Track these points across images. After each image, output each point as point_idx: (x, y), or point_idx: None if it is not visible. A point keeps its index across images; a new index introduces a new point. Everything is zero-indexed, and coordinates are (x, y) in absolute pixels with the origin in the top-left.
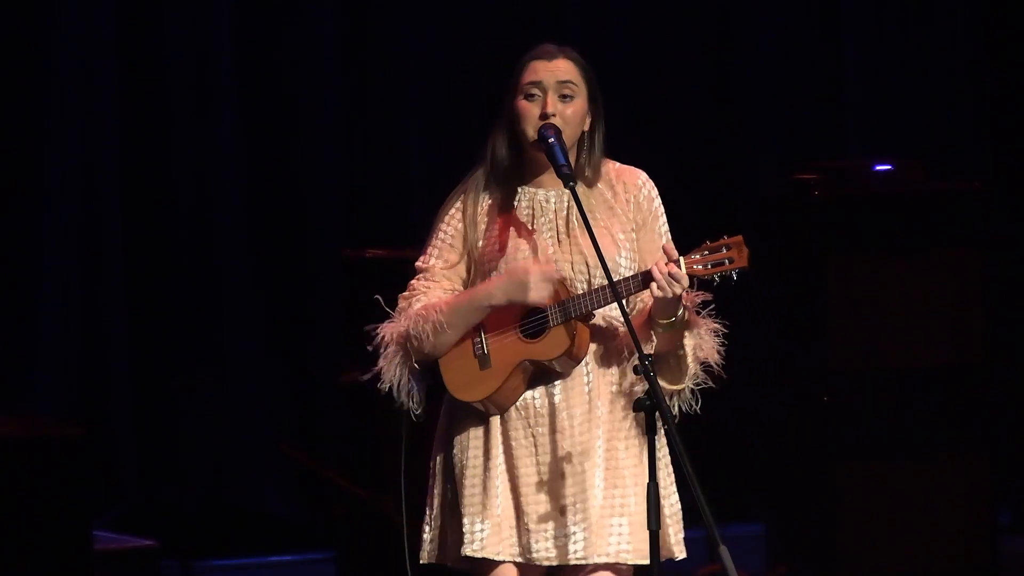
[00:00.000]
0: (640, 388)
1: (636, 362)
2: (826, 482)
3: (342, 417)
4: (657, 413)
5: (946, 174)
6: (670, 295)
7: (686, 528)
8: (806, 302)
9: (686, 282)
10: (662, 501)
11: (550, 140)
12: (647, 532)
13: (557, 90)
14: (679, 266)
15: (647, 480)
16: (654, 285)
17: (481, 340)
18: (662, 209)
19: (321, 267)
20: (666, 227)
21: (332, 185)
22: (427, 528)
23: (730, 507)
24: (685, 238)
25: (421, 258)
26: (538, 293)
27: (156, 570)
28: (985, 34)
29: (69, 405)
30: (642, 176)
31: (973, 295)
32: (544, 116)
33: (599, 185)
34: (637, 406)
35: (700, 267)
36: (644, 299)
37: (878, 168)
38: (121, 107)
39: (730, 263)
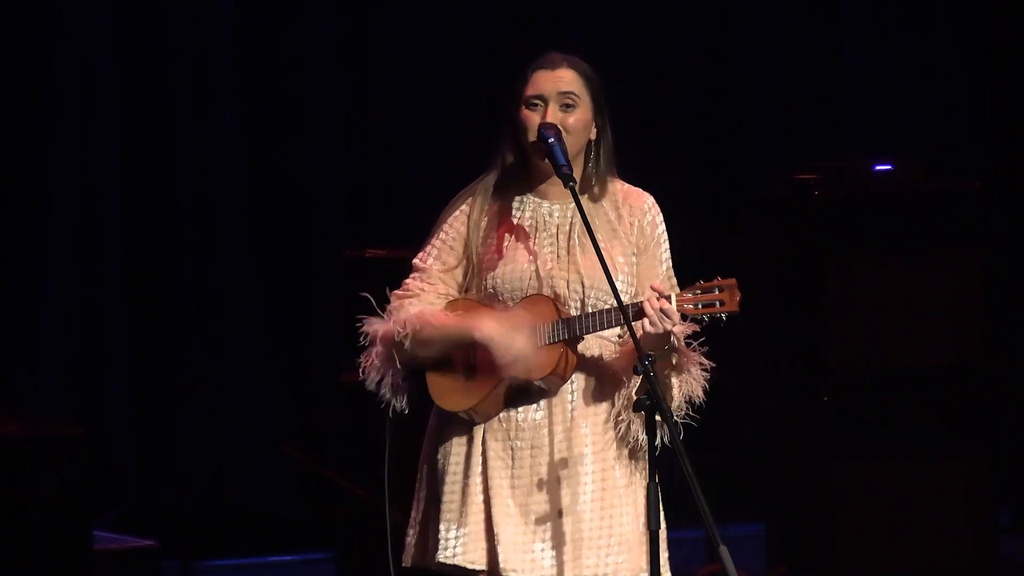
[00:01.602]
0: (625, 413)
1: (636, 363)
2: (826, 482)
3: (342, 417)
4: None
5: (946, 174)
6: (660, 331)
7: (686, 528)
8: (806, 302)
9: (677, 318)
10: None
11: (550, 140)
12: (641, 547)
13: (558, 100)
14: (670, 303)
15: (638, 497)
16: (645, 320)
17: (471, 350)
18: (666, 236)
19: (321, 267)
20: (668, 254)
21: (332, 185)
22: (411, 532)
23: (730, 507)
24: (686, 238)
25: (420, 255)
26: (512, 370)
27: (156, 570)
28: (985, 34)
29: (69, 405)
30: (649, 200)
31: (973, 295)
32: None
33: (603, 203)
34: (637, 406)
35: (691, 306)
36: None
37: (878, 168)
38: (121, 107)
39: (720, 305)
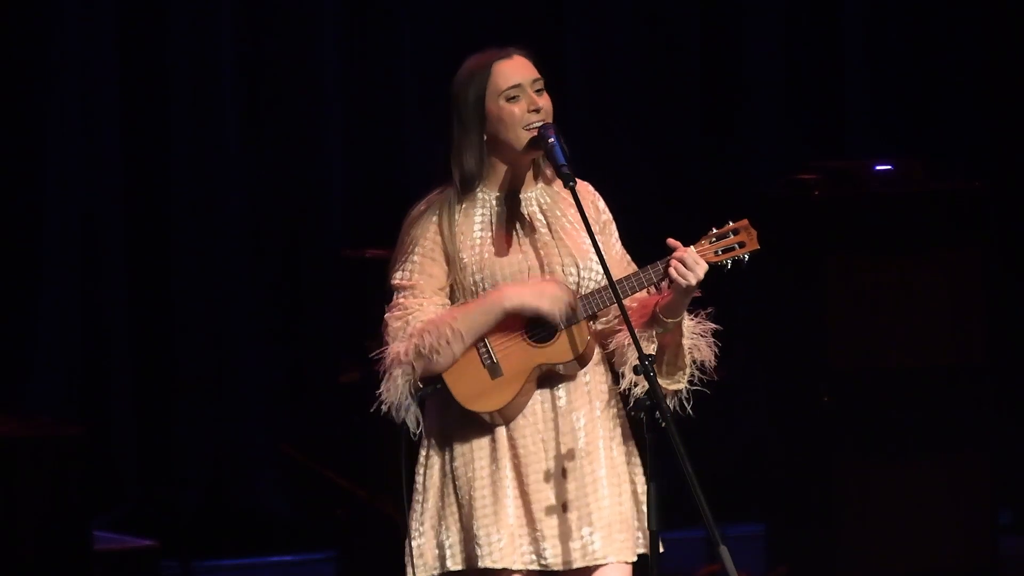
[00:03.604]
0: (639, 388)
1: (636, 362)
2: (826, 482)
3: (342, 417)
4: (657, 413)
5: (946, 174)
6: (693, 281)
7: (686, 528)
8: (806, 302)
9: (706, 266)
10: (643, 497)
11: (550, 140)
12: (633, 526)
13: (532, 86)
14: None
15: (633, 477)
16: (674, 273)
17: (487, 349)
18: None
19: (321, 267)
20: (616, 233)
21: (332, 185)
22: (415, 544)
23: (730, 507)
24: (686, 238)
25: (399, 275)
26: (554, 306)
27: (156, 570)
28: (985, 34)
29: (69, 405)
30: (587, 183)
31: (973, 295)
32: (536, 110)
33: (554, 187)
34: (637, 406)
35: (711, 254)
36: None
37: (878, 168)
38: (121, 107)
39: (740, 247)
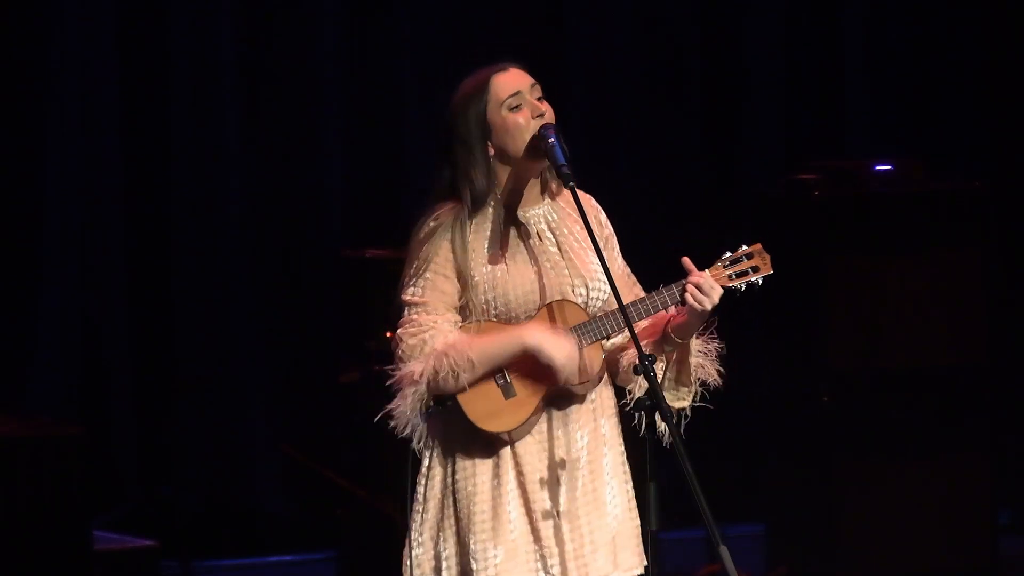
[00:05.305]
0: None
1: (636, 363)
2: (826, 482)
3: (342, 417)
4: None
5: (946, 174)
6: (709, 307)
7: (686, 528)
8: (806, 302)
9: (721, 291)
10: (629, 513)
11: (550, 140)
12: (635, 542)
13: (532, 93)
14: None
15: (628, 490)
16: (690, 298)
17: (501, 370)
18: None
19: (321, 267)
20: (618, 247)
21: (332, 185)
22: (414, 554)
23: (730, 507)
24: (687, 237)
25: (411, 292)
26: (567, 364)
27: (156, 570)
28: (985, 34)
29: (69, 405)
30: (591, 197)
31: (973, 295)
32: (540, 115)
33: (560, 201)
34: (637, 406)
35: (725, 278)
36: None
37: (878, 168)
38: (121, 107)
39: (754, 271)
